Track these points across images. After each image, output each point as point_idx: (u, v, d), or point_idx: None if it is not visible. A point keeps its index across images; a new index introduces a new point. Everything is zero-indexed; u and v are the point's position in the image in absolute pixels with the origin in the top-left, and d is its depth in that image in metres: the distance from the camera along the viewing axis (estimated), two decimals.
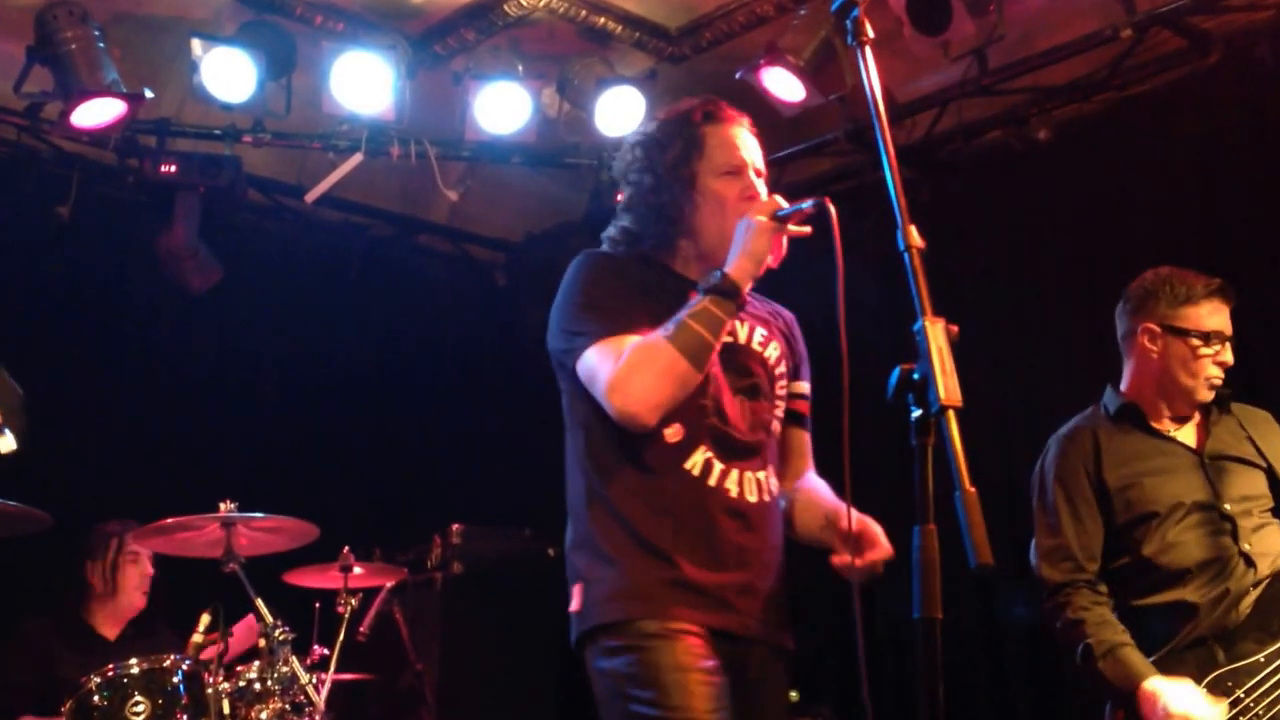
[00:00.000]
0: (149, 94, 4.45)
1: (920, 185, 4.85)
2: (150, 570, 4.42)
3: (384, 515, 5.40)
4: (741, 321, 2.39)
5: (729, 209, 2.35)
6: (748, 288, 2.25)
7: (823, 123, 5.02)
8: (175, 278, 5.11)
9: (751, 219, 2.26)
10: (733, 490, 2.30)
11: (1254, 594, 2.78)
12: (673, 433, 2.29)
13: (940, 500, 1.54)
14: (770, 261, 2.26)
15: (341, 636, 4.18)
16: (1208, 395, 2.93)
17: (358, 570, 4.32)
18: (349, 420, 5.55)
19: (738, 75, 4.62)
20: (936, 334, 1.57)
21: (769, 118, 4.75)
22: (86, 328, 5.12)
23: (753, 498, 2.32)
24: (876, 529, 2.23)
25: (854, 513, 2.19)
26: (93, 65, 4.26)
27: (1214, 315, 2.93)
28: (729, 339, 2.34)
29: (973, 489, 1.48)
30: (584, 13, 4.65)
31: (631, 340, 2.25)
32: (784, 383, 2.44)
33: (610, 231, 2.46)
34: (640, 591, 2.25)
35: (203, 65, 4.53)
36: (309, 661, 4.03)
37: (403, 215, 5.91)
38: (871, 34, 1.75)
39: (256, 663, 3.77)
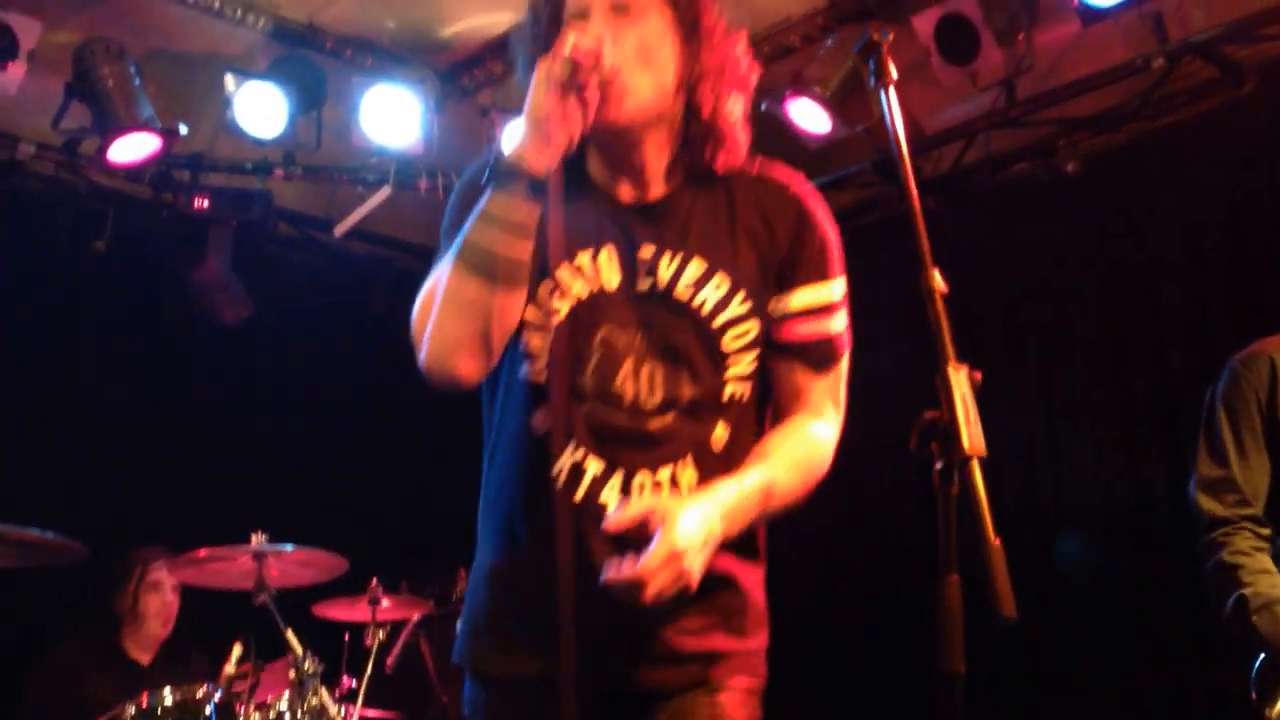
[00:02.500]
0: (184, 129, 4.51)
1: (946, 218, 4.82)
2: (173, 599, 4.45)
3: (411, 548, 5.40)
4: (661, 254, 1.78)
5: None
6: (542, 165, 1.65)
7: (849, 154, 5.01)
8: (207, 310, 5.17)
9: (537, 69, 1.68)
10: (611, 501, 1.74)
11: None
12: (540, 421, 1.78)
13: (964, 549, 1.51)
14: (569, 128, 1.67)
15: (370, 669, 4.20)
16: None
17: (385, 603, 4.34)
18: (376, 452, 5.56)
19: (763, 106, 4.61)
20: (960, 381, 1.53)
21: (795, 149, 4.77)
22: (121, 360, 5.17)
23: None
24: (675, 540, 1.61)
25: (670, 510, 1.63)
26: (129, 101, 4.33)
27: None
28: (647, 283, 1.77)
29: (997, 540, 1.45)
30: None
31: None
32: (737, 331, 1.79)
33: None
34: (478, 647, 1.84)
35: (235, 100, 4.61)
36: (338, 693, 4.05)
37: (429, 248, 5.87)
38: (895, 75, 1.70)
39: (287, 694, 3.79)
